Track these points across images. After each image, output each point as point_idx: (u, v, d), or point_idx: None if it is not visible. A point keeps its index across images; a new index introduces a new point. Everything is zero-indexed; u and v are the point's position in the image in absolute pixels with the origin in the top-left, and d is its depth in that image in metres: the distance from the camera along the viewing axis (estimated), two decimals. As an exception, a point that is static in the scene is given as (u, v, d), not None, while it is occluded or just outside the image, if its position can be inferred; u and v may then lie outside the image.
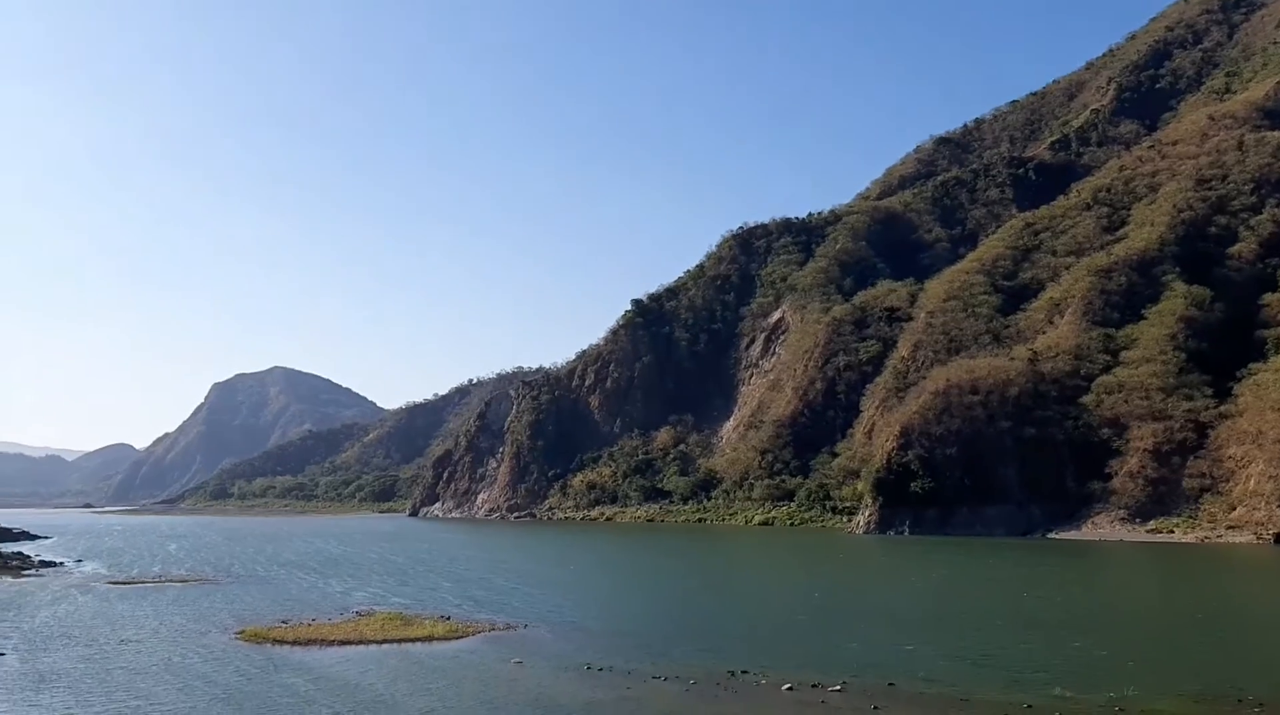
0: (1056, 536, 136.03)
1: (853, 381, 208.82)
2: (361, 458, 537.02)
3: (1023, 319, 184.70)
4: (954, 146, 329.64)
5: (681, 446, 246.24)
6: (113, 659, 51.19)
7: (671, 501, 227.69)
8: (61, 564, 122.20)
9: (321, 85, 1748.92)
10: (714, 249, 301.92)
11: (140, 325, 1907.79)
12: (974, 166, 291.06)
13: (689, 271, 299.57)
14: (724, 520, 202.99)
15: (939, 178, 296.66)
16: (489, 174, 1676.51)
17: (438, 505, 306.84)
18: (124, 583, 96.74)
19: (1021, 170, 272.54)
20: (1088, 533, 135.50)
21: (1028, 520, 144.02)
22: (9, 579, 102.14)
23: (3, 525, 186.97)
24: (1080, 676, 41.71)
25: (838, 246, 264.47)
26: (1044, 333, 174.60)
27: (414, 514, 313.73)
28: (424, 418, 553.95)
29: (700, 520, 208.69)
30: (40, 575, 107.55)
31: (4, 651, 53.56)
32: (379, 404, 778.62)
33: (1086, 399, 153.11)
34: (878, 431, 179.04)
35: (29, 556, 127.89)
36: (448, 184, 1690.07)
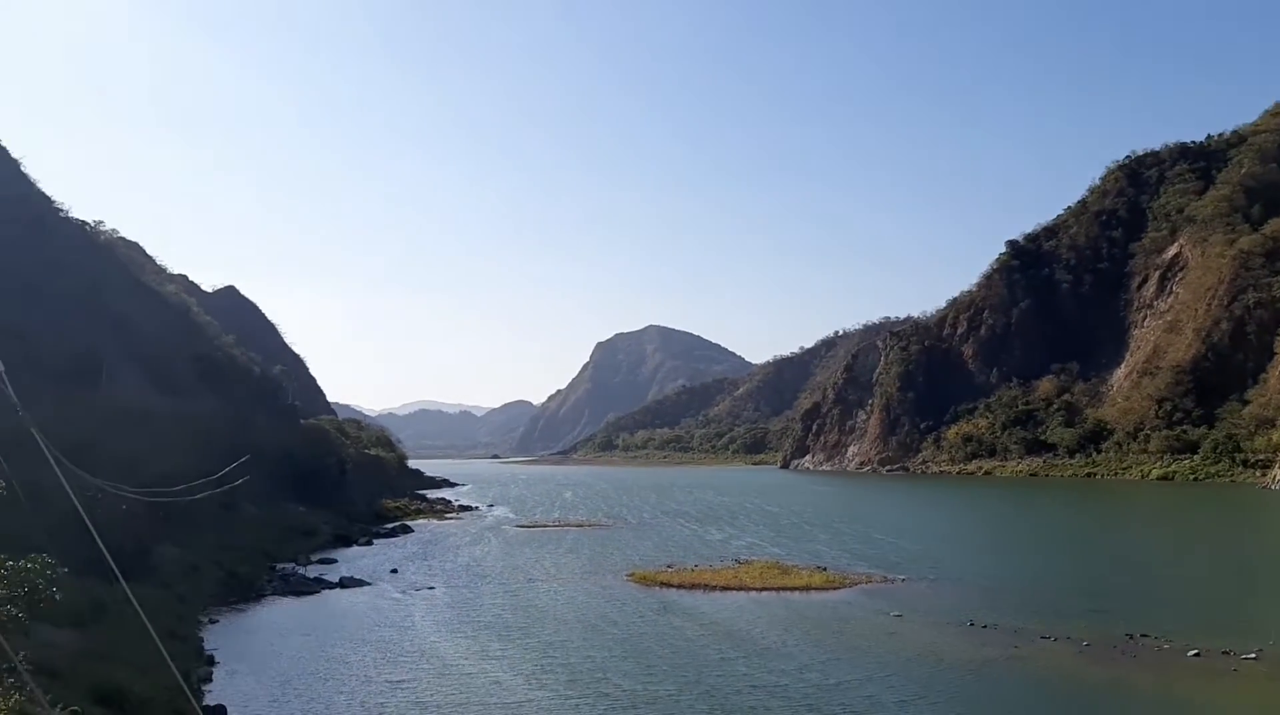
0: None
1: (1265, 321, 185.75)
2: (732, 411, 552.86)
3: None
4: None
5: (1066, 396, 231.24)
6: (523, 595, 57.04)
7: (1056, 455, 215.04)
8: (476, 508, 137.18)
9: (691, 63, 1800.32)
10: (1097, 182, 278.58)
11: (533, 293, 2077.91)
12: None
13: (1069, 208, 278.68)
14: (1115, 475, 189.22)
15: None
16: (846, 119, 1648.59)
17: (808, 457, 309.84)
18: (528, 526, 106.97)
19: None
20: None
21: None
22: (435, 521, 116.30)
23: (428, 474, 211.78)
24: None
25: (1243, 171, 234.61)
26: None
27: (785, 466, 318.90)
28: (791, 371, 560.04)
29: (1089, 475, 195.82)
30: (460, 518, 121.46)
31: (433, 586, 61.34)
32: (747, 358, 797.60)
33: None
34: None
35: (450, 501, 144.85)
36: (799, 134, 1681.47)
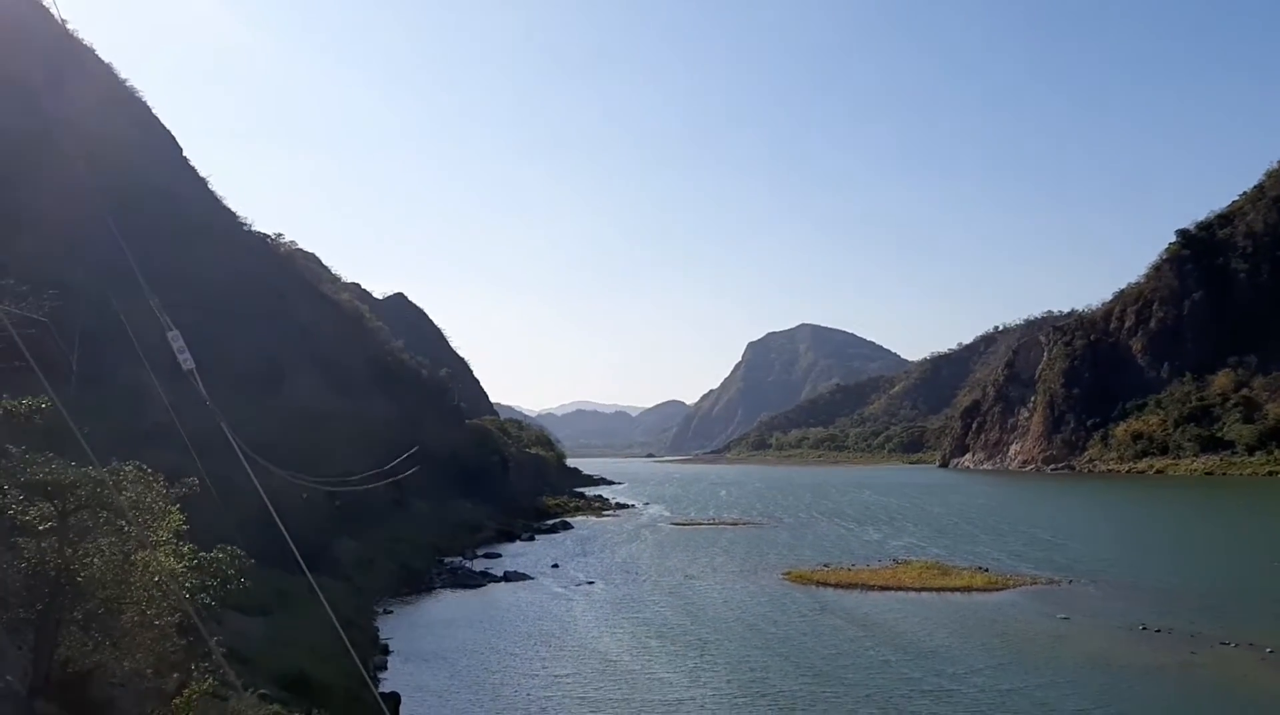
0: None
1: None
2: (888, 409, 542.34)
3: None
4: None
5: (1244, 391, 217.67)
6: (680, 593, 57.73)
7: (1234, 452, 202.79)
8: (632, 506, 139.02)
9: (841, 64, 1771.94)
10: (1276, 165, 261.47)
11: (686, 294, 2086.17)
12: None
13: (1245, 194, 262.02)
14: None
15: None
16: (1003, 114, 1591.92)
17: (967, 456, 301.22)
18: (684, 524, 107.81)
19: None
20: None
21: None
22: (593, 518, 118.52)
23: (585, 473, 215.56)
24: None
25: None
26: None
27: (944, 465, 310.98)
28: (949, 368, 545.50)
29: (1271, 473, 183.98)
30: (617, 515, 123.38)
31: (593, 581, 62.71)
32: (902, 356, 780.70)
33: None
34: None
35: (607, 499, 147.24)
36: (954, 130, 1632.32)
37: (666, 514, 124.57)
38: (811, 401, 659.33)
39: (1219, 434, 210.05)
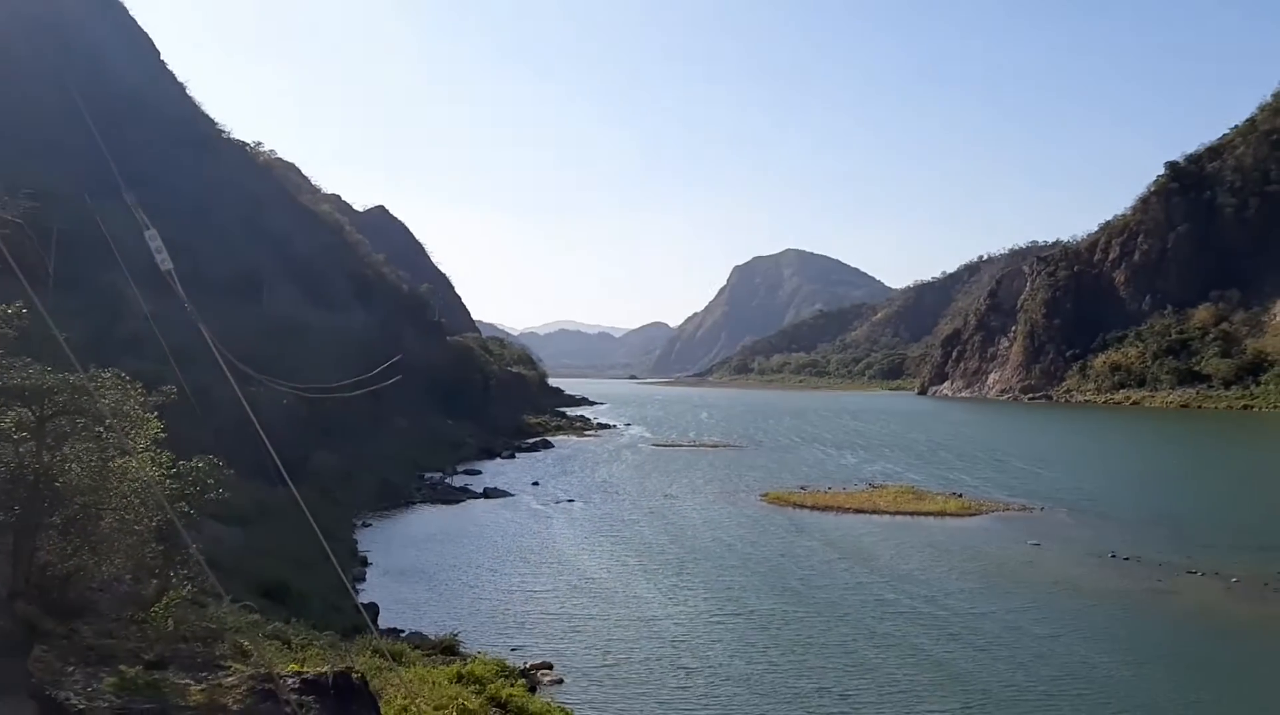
0: None
1: None
2: (870, 336, 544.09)
3: None
4: None
5: (1224, 325, 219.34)
6: (659, 512, 58.36)
7: (1210, 386, 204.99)
8: (614, 426, 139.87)
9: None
10: (1269, 100, 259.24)
11: (672, 217, 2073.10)
12: None
13: (1236, 127, 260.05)
14: (1275, 407, 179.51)
15: None
16: (988, 30, 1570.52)
17: (946, 384, 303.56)
18: (665, 445, 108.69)
19: None
20: None
21: None
22: (575, 438, 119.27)
23: (567, 393, 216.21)
24: None
25: None
26: None
27: (923, 392, 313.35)
28: (932, 296, 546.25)
29: (1245, 407, 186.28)
30: (598, 436, 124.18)
31: (573, 499, 63.30)
32: (886, 283, 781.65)
33: None
34: None
35: (589, 419, 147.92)
36: (945, 45, 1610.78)
37: (648, 435, 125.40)
38: (795, 327, 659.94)
39: (1196, 368, 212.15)
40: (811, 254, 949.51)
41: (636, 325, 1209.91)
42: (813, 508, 59.37)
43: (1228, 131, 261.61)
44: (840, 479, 74.86)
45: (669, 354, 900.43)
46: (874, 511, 57.86)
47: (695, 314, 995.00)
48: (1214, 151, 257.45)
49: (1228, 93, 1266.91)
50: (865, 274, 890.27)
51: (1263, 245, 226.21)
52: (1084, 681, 27.09)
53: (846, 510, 58.24)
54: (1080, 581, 39.44)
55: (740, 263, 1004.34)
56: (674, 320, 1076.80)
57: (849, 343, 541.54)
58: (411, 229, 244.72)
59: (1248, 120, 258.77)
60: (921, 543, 48.14)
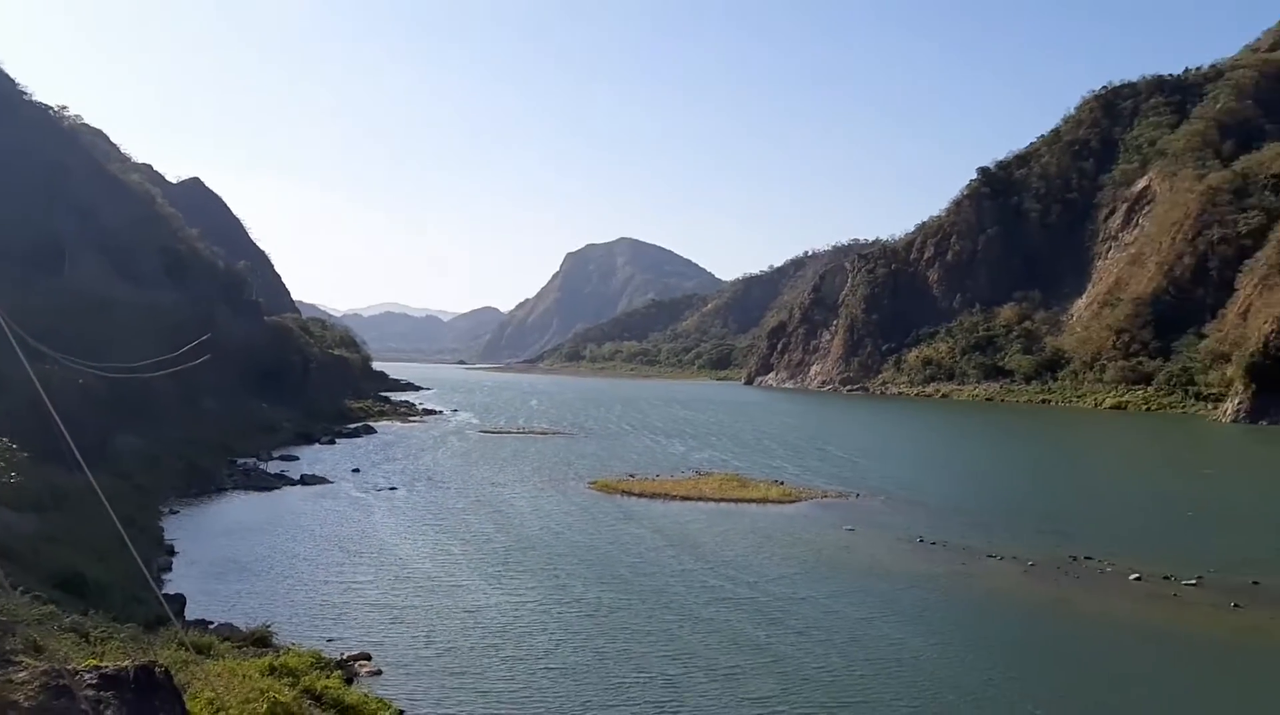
0: None
1: (1228, 257, 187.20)
2: (700, 326, 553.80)
3: None
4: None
5: (1026, 323, 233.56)
6: (485, 500, 57.58)
7: (1013, 381, 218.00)
8: (440, 412, 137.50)
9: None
10: (1072, 112, 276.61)
11: (504, 200, 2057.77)
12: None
13: (1042, 137, 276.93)
14: (1070, 402, 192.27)
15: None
16: (819, 36, 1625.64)
17: (771, 375, 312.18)
18: (493, 432, 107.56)
19: None
20: None
21: None
22: (399, 423, 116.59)
23: (392, 377, 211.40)
24: None
25: (1218, 106, 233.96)
26: None
27: (749, 382, 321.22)
28: (760, 289, 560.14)
29: (1043, 401, 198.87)
30: (423, 421, 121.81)
31: (395, 487, 61.77)
32: (717, 275, 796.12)
33: None
34: (1255, 312, 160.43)
35: (414, 405, 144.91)
36: (774, 51, 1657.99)
37: (475, 421, 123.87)
38: (627, 315, 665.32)
39: (1001, 363, 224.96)
40: (645, 244, 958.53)
41: (466, 309, 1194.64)
42: (640, 495, 59.77)
43: (1035, 141, 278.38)
44: (668, 467, 75.74)
45: (499, 339, 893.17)
46: (700, 499, 58.73)
47: (527, 300, 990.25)
48: (1022, 159, 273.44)
49: (1039, 103, 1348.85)
50: (697, 265, 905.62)
51: (1063, 249, 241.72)
52: (895, 663, 28.08)
53: (673, 497, 58.88)
54: (892, 566, 41.04)
55: (574, 249, 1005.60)
56: (505, 305, 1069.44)
57: (680, 332, 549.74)
58: (229, 203, 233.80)
59: (1053, 131, 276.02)
60: (745, 529, 49.11)
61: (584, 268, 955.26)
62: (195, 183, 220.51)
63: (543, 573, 38.59)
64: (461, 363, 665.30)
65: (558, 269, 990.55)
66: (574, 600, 34.41)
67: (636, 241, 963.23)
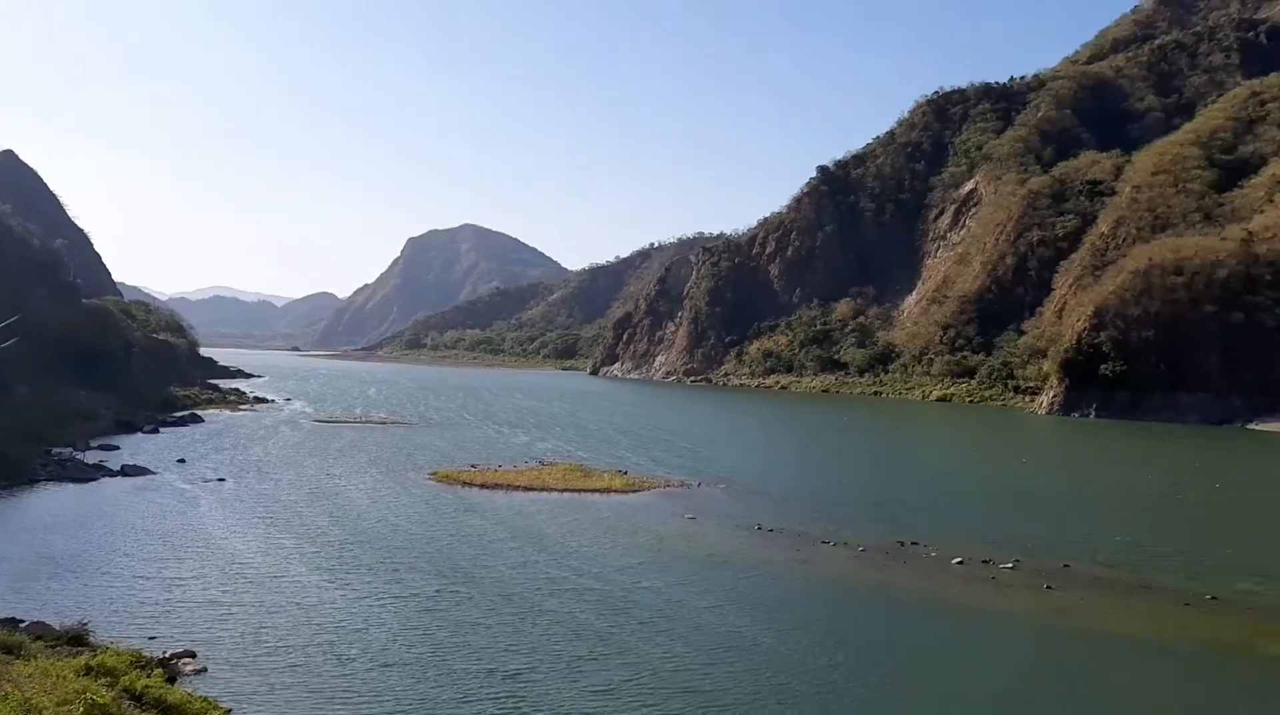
0: (1258, 427, 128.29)
1: (1046, 258, 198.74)
2: (546, 316, 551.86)
3: (1239, 197, 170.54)
4: (1176, 6, 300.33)
5: (861, 318, 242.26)
6: (320, 491, 55.77)
7: (848, 373, 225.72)
8: (272, 401, 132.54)
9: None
10: (906, 115, 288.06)
11: (344, 181, 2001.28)
12: (1197, 29, 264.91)
13: (878, 138, 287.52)
14: (900, 394, 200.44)
15: (1156, 41, 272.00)
16: (670, 33, 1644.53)
17: (617, 365, 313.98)
18: (328, 422, 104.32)
19: (1252, 34, 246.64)
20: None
21: (1226, 410, 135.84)
22: (228, 412, 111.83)
23: (221, 363, 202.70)
24: (1274, 572, 40.12)
25: (1039, 114, 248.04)
26: (1262, 212, 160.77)
27: (594, 373, 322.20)
28: (606, 279, 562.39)
29: (876, 393, 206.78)
30: (254, 410, 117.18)
31: (223, 478, 59.18)
32: (563, 264, 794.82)
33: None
34: (1069, 311, 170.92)
35: (244, 392, 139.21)
36: (633, 50, 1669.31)
37: (309, 410, 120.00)
38: (471, 303, 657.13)
39: (836, 356, 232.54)
40: (490, 231, 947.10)
41: (301, 294, 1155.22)
42: (482, 486, 59.06)
43: (871, 142, 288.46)
44: (511, 457, 75.05)
45: (336, 326, 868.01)
46: (543, 489, 58.43)
47: (366, 285, 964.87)
48: (859, 159, 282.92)
49: (878, 105, 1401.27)
50: (543, 254, 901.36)
51: (896, 247, 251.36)
52: (735, 649, 28.53)
53: (516, 488, 58.41)
54: (732, 554, 41.74)
55: (416, 235, 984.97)
56: (343, 291, 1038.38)
57: (525, 321, 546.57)
58: (45, 178, 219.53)
59: (888, 133, 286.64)
60: (588, 520, 49.07)
61: (426, 254, 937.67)
62: (9, 156, 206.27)
63: (380, 566, 37.60)
64: (296, 350, 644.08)
65: (399, 255, 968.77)
66: (412, 594, 33.65)
67: (482, 228, 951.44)
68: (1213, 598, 35.65)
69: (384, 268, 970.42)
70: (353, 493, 55.64)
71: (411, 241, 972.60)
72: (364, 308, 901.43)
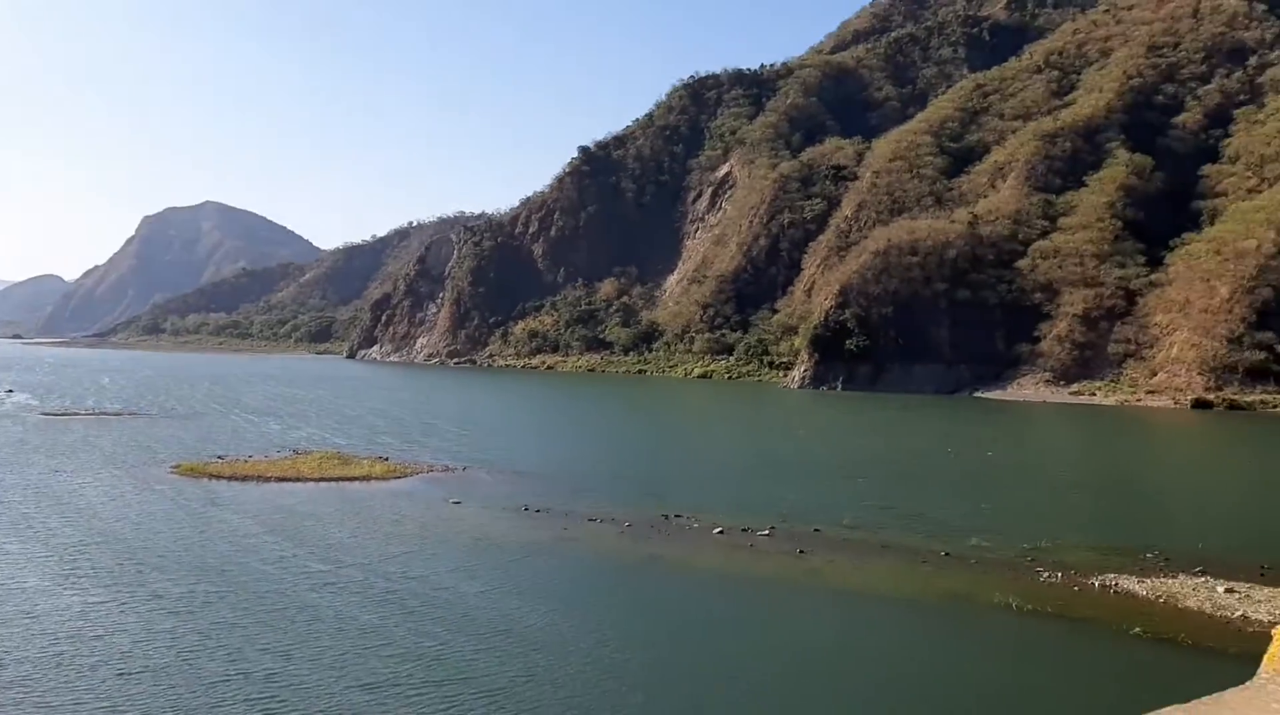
0: (982, 396, 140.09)
1: (796, 239, 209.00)
2: (298, 298, 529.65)
3: (966, 182, 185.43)
4: (910, 1, 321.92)
5: (624, 298, 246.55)
6: (48, 490, 51.20)
7: (613, 352, 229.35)
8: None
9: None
10: (664, 99, 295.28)
11: (70, 152, 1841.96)
12: (929, 23, 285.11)
13: (638, 120, 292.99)
14: (664, 372, 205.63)
15: (893, 34, 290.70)
16: (434, 12, 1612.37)
17: (375, 348, 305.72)
18: (57, 414, 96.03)
19: (976, 29, 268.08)
20: (1013, 393, 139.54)
21: (956, 379, 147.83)
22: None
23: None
24: (999, 529, 43.73)
25: (788, 101, 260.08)
26: (986, 196, 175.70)
27: (351, 356, 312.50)
28: (362, 259, 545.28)
29: (640, 371, 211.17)
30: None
31: (-65, 480, 53.32)
32: (316, 244, 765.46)
33: (1022, 263, 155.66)
34: (818, 289, 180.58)
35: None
36: (391, 22, 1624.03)
37: (35, 403, 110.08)
38: (215, 285, 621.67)
39: (601, 335, 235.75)
40: (235, 209, 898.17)
41: (22, 277, 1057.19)
42: (231, 478, 55.93)
43: (631, 124, 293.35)
44: (262, 447, 71.51)
45: (63, 311, 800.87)
46: (298, 479, 56.04)
47: (97, 267, 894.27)
48: (620, 140, 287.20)
49: (640, 87, 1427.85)
50: (293, 233, 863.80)
51: (657, 228, 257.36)
52: (505, 634, 28.27)
53: (269, 479, 55.72)
54: (499, 536, 41.44)
55: (152, 213, 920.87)
56: (71, 273, 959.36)
57: (274, 304, 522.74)
58: None
59: (647, 115, 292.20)
60: (349, 509, 47.45)
61: (164, 233, 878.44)
62: None
63: (119, 569, 34.88)
64: (17, 337, 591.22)
65: (133, 233, 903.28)
66: (157, 596, 31.42)
67: (225, 206, 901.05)
68: (946, 554, 38.52)
69: (117, 247, 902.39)
70: (87, 491, 51.37)
71: (147, 219, 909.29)
72: (95, 291, 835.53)
